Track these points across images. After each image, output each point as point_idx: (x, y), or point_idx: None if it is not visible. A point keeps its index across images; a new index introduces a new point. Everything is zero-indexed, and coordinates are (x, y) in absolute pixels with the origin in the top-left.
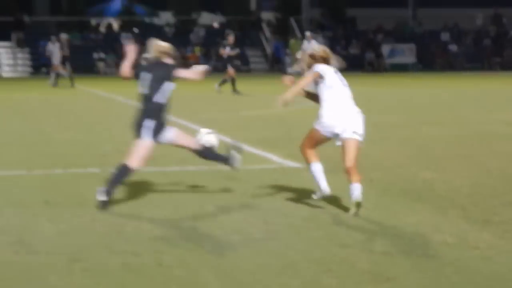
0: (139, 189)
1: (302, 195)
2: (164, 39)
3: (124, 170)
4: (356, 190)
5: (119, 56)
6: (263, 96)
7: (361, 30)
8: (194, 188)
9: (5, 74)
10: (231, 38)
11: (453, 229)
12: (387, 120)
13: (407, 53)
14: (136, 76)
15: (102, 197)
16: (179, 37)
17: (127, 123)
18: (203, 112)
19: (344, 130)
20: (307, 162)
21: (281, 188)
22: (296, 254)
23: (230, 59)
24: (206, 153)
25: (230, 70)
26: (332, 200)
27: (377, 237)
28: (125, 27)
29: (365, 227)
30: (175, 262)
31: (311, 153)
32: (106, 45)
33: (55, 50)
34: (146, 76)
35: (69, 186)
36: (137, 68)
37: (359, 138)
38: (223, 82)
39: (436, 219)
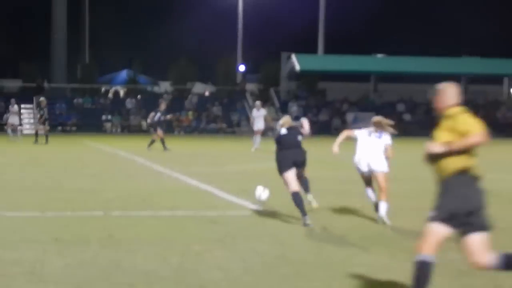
0: (133, 229)
1: (274, 237)
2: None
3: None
4: (382, 208)
5: (124, 117)
6: (244, 154)
7: (330, 100)
8: (182, 229)
9: (26, 131)
10: (163, 105)
11: (401, 268)
12: (352, 177)
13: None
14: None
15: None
16: (175, 103)
17: (128, 174)
18: (193, 166)
19: (367, 166)
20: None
21: (256, 231)
22: (268, 287)
23: (160, 123)
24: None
25: (159, 132)
26: (300, 241)
27: (337, 275)
28: (130, 94)
29: (327, 266)
30: None
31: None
32: (113, 109)
33: (13, 111)
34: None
35: (76, 226)
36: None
37: (383, 170)
38: (152, 142)
39: (387, 260)
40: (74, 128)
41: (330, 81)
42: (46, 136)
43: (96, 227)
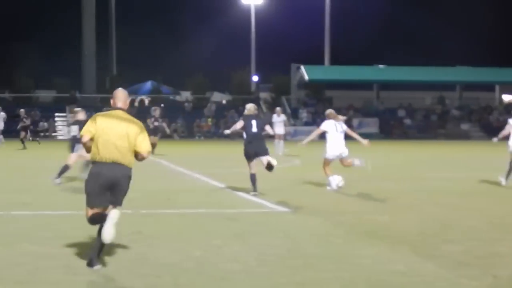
0: (160, 226)
1: (286, 232)
2: (184, 113)
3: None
4: (356, 161)
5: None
6: None
7: (336, 107)
8: (203, 226)
9: (59, 137)
10: (157, 112)
11: (404, 260)
12: (354, 177)
13: (371, 125)
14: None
15: None
16: (195, 111)
17: (154, 176)
18: (213, 168)
19: (338, 154)
20: (327, 176)
21: (271, 227)
22: (281, 277)
23: (155, 129)
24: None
25: (151, 138)
26: (310, 236)
27: (344, 267)
28: (154, 102)
29: (335, 257)
30: (188, 283)
31: (328, 170)
32: (138, 116)
33: None
34: (255, 122)
35: None
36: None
37: (345, 155)
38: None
39: (391, 252)
40: None
41: (336, 89)
42: (23, 142)
43: (125, 224)
